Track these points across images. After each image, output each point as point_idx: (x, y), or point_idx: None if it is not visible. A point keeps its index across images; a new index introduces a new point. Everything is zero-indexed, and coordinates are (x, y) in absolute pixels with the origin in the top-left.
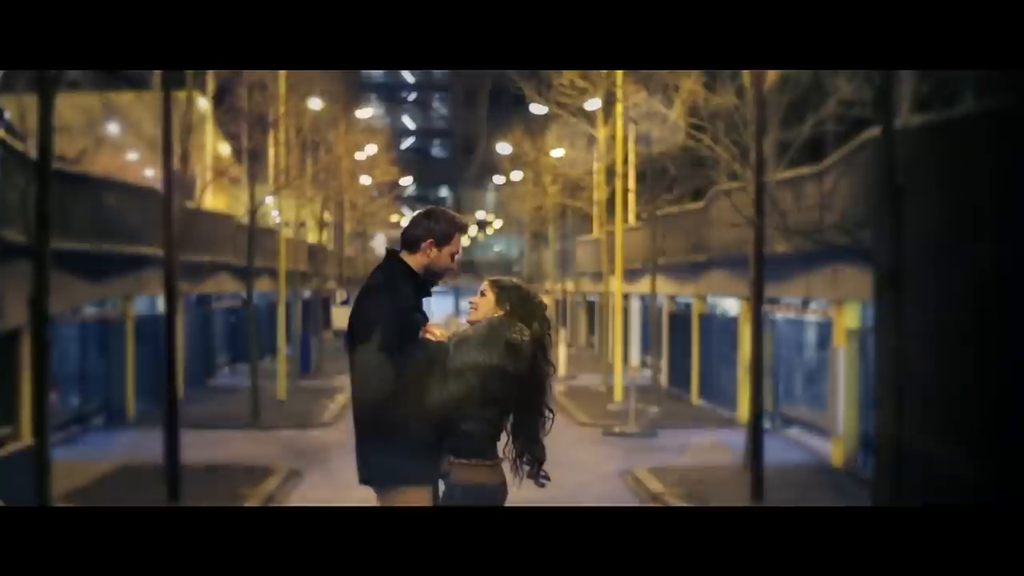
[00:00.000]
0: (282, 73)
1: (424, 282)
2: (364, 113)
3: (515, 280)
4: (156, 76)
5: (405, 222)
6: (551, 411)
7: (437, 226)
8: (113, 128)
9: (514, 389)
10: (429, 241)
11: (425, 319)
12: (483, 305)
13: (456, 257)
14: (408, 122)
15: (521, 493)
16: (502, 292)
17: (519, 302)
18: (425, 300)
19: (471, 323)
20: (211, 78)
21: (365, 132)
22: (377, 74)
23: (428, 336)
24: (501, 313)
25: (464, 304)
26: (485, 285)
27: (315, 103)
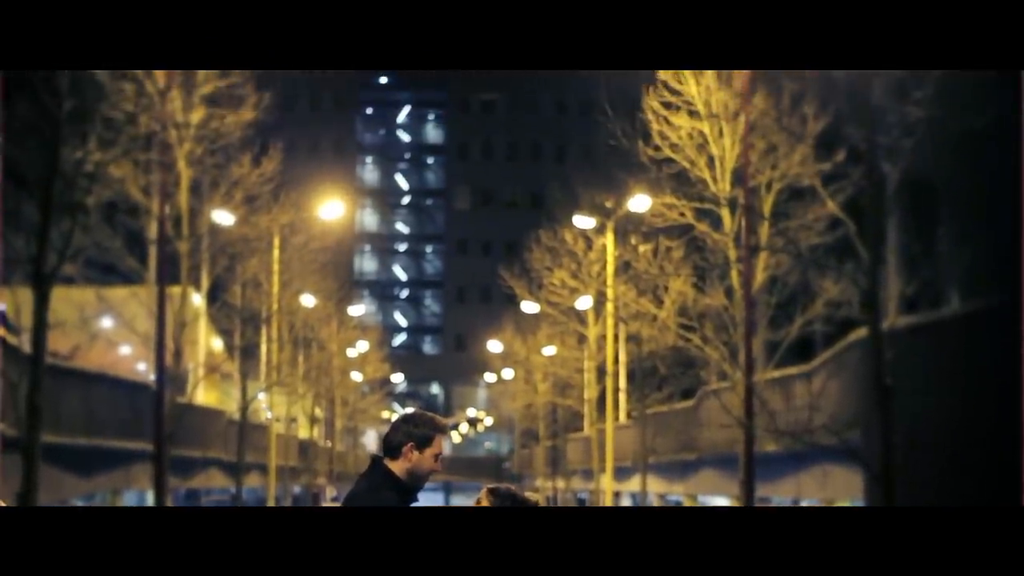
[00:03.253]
0: (275, 270)
1: (409, 487)
2: (356, 310)
3: (511, 488)
4: (151, 272)
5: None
6: None
7: (417, 430)
8: (107, 322)
9: None
10: (410, 445)
11: None
12: None
13: (439, 459)
14: (400, 319)
15: None
16: (498, 500)
17: None
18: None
19: None
20: (205, 275)
21: (357, 329)
22: (369, 271)
23: None
24: None
25: (455, 501)
26: (482, 494)
27: (308, 300)
